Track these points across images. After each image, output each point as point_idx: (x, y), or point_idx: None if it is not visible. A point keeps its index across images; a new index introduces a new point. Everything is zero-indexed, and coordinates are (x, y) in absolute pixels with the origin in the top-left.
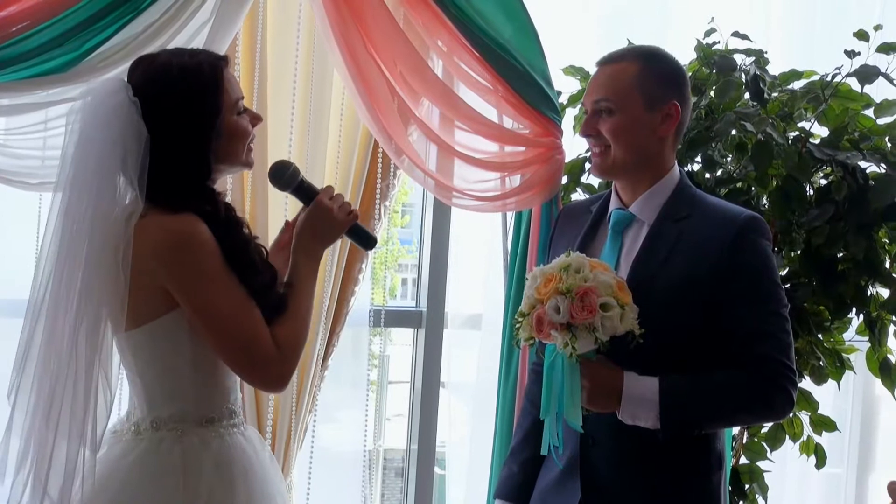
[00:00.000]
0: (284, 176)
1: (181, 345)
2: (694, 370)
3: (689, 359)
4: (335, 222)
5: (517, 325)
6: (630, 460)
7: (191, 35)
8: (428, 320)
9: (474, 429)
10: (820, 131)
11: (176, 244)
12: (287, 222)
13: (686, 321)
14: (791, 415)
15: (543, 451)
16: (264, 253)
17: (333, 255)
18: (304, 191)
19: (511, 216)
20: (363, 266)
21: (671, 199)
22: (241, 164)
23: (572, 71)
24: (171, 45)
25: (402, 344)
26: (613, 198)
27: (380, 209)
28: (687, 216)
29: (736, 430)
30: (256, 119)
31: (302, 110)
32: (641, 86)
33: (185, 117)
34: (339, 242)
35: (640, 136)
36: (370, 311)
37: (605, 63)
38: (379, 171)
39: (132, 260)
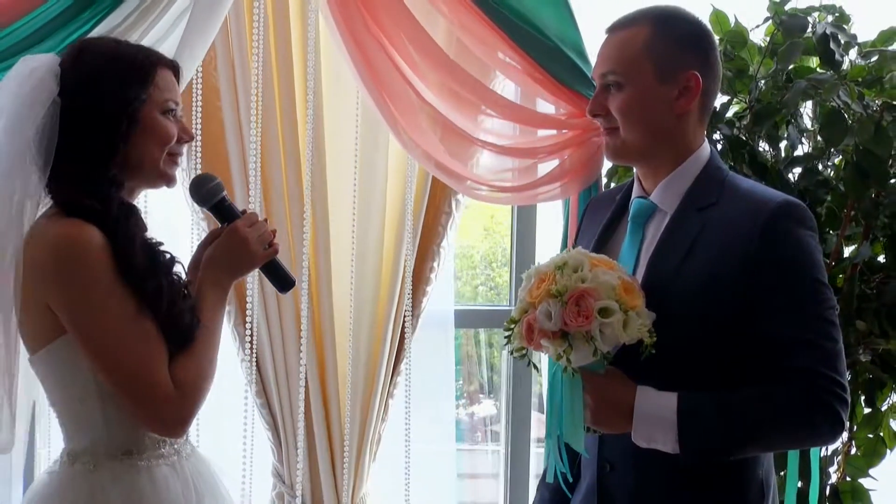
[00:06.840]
0: (203, 189)
1: (82, 371)
2: (722, 385)
3: (716, 372)
4: (251, 255)
5: (507, 334)
6: (652, 489)
7: (174, 21)
8: None
9: None
10: None
11: (58, 257)
12: (203, 240)
13: (711, 328)
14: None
15: (549, 479)
16: (173, 264)
17: (401, 253)
18: (223, 211)
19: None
20: (435, 264)
21: (695, 184)
22: (158, 175)
23: None
24: (153, 32)
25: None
26: (636, 186)
27: (452, 202)
28: (713, 203)
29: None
30: (186, 133)
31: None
32: (652, 53)
33: (103, 91)
34: (404, 234)
35: (653, 113)
36: (454, 311)
37: (612, 30)
38: None
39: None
